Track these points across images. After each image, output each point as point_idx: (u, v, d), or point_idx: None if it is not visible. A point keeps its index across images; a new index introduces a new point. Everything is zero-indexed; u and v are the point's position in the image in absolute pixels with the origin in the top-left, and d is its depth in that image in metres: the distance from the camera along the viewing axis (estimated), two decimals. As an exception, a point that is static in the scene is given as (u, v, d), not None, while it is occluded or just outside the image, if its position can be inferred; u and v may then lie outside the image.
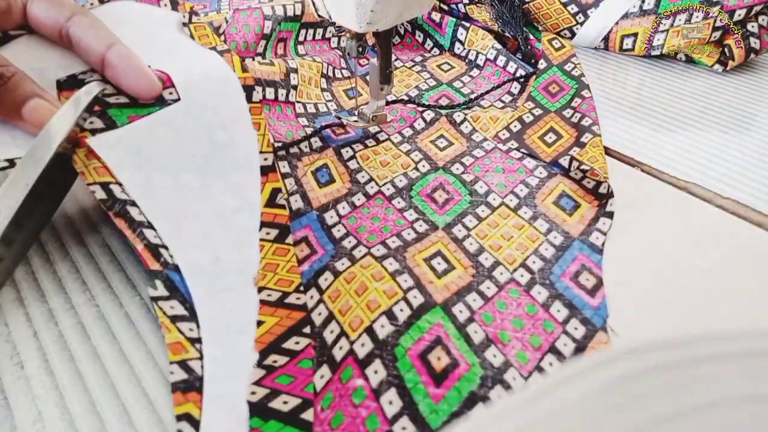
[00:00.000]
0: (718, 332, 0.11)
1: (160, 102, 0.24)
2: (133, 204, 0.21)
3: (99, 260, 0.24)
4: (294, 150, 0.30)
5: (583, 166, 0.28)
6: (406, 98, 0.36)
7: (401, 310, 0.22)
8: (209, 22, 0.32)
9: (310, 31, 0.41)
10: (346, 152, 0.31)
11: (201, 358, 0.19)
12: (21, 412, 0.19)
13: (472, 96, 0.37)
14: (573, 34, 0.44)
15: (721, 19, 0.37)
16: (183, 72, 0.25)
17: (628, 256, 0.25)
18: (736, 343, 0.11)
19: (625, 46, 0.42)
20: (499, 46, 0.41)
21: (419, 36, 0.44)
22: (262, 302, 0.21)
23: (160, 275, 0.21)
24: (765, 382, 0.10)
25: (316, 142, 0.31)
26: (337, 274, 0.24)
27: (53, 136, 0.21)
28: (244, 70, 0.27)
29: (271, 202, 0.24)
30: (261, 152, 0.25)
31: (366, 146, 0.32)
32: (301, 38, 0.40)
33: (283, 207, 0.25)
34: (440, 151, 0.32)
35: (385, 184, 0.29)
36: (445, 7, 0.47)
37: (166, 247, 0.21)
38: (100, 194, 0.21)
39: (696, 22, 0.38)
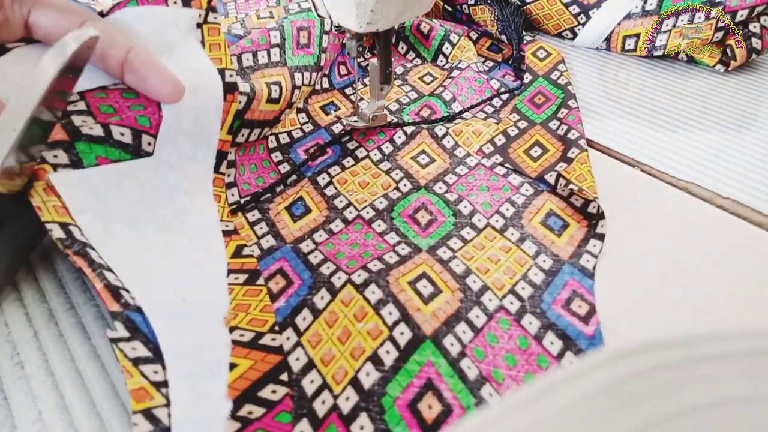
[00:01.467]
0: (718, 332, 0.11)
1: (134, 151, 0.23)
2: (92, 248, 0.20)
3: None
4: (266, 195, 0.28)
5: (571, 186, 0.27)
6: (389, 120, 0.34)
7: (387, 352, 0.20)
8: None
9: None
10: (323, 179, 0.30)
11: (168, 404, 0.17)
12: (21, 412, 0.19)
13: (454, 104, 0.35)
14: (574, 35, 0.44)
15: (721, 20, 0.37)
16: (174, 117, 0.24)
17: (628, 256, 0.25)
18: (736, 343, 0.11)
19: (627, 47, 0.42)
20: (486, 67, 0.40)
21: (402, 47, 0.43)
22: (235, 342, 0.20)
23: (119, 316, 0.19)
24: (765, 382, 0.10)
25: (288, 172, 0.30)
26: (316, 312, 0.22)
27: (31, 92, 0.19)
28: (229, 130, 0.26)
29: (237, 255, 0.24)
30: (222, 220, 0.25)
31: (344, 167, 0.31)
32: (326, 27, 0.36)
33: (250, 256, 0.24)
34: (422, 169, 0.31)
35: (364, 207, 0.28)
36: (449, 8, 0.46)
37: (127, 290, 0.20)
38: (58, 233, 0.19)
39: (698, 22, 0.38)
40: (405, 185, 0.29)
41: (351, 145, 0.32)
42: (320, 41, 0.35)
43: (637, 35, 0.41)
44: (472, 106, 0.36)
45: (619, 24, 0.41)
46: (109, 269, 0.20)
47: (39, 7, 0.22)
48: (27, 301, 0.22)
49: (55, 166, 0.21)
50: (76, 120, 0.22)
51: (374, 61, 0.30)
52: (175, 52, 0.25)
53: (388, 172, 0.30)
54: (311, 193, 0.29)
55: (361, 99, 0.34)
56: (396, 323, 0.21)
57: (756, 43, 0.39)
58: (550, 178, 0.29)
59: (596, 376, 0.10)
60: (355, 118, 0.33)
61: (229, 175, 0.27)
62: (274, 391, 0.19)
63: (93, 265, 0.20)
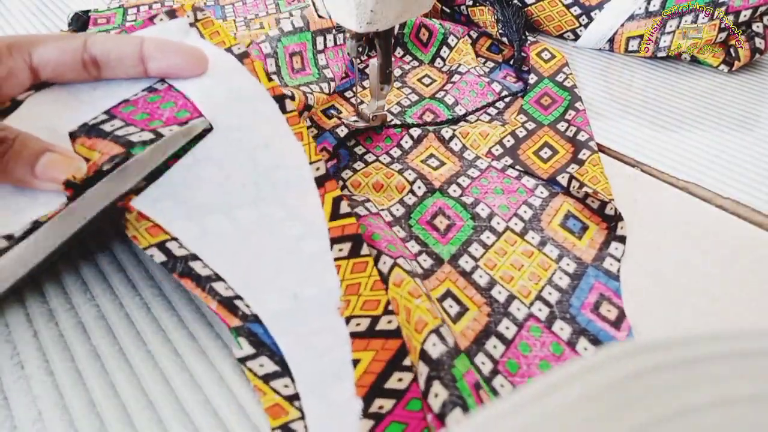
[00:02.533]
0: (718, 332, 0.11)
1: (194, 138, 0.22)
2: (195, 258, 0.20)
3: (99, 260, 0.24)
4: None
5: (585, 188, 0.28)
6: (393, 122, 0.34)
7: (434, 344, 0.19)
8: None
9: (329, 37, 0.37)
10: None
11: (303, 417, 0.18)
12: (21, 412, 0.19)
13: (457, 108, 0.35)
14: (577, 37, 0.44)
15: (722, 20, 0.37)
16: (205, 94, 0.23)
17: (628, 256, 0.25)
18: (736, 343, 0.11)
19: (630, 48, 0.42)
20: (486, 69, 0.40)
21: (399, 52, 0.43)
22: (353, 335, 0.20)
23: (242, 331, 0.19)
24: (765, 382, 0.10)
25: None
26: (385, 279, 0.21)
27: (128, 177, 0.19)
28: (269, 78, 0.24)
29: (335, 215, 0.22)
30: (311, 163, 0.23)
31: (355, 171, 0.30)
32: (319, 46, 0.37)
33: (349, 215, 0.23)
34: (434, 171, 0.30)
35: (382, 210, 0.27)
36: (448, 10, 0.46)
37: (240, 297, 0.20)
38: (159, 257, 0.20)
39: (702, 23, 0.38)
40: (419, 187, 0.29)
41: (359, 150, 0.32)
42: (315, 61, 0.35)
43: (641, 36, 0.41)
44: (476, 110, 0.36)
45: (622, 25, 0.41)
46: (217, 277, 0.20)
47: (37, 45, 0.21)
48: (27, 301, 0.22)
49: (136, 191, 0.21)
50: (121, 132, 0.21)
51: (374, 61, 0.30)
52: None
53: (401, 172, 0.30)
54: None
55: (362, 102, 0.34)
56: (442, 323, 0.21)
57: (759, 43, 0.39)
58: (563, 179, 0.29)
59: (596, 376, 0.10)
60: (355, 118, 0.33)
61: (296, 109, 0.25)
62: (400, 380, 0.19)
63: (200, 281, 0.19)
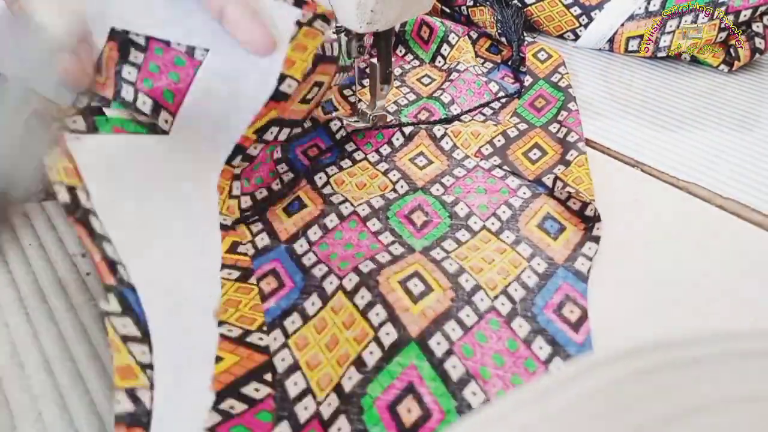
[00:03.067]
0: (718, 332, 0.11)
1: (150, 127, 0.23)
2: (95, 215, 0.20)
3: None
4: (263, 195, 0.28)
5: (568, 188, 0.27)
6: (389, 122, 0.34)
7: (371, 353, 0.20)
8: None
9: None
10: (320, 179, 0.30)
11: (151, 387, 0.17)
12: (21, 412, 0.19)
13: (452, 107, 0.35)
14: (576, 36, 0.44)
15: (722, 20, 0.37)
16: (200, 99, 0.23)
17: (628, 256, 0.25)
18: (736, 343, 0.11)
19: (630, 48, 0.42)
20: (484, 69, 0.40)
21: (400, 50, 0.43)
22: (222, 336, 0.20)
23: (114, 291, 0.19)
24: (765, 382, 0.10)
25: (287, 175, 0.29)
26: (306, 317, 0.22)
27: None
28: (255, 131, 0.25)
29: (232, 251, 0.24)
30: (221, 213, 0.24)
31: (341, 168, 0.30)
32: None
33: (245, 254, 0.24)
34: (420, 170, 0.30)
35: (360, 204, 0.28)
36: (448, 10, 0.46)
37: (123, 265, 0.19)
38: (64, 197, 0.19)
39: (702, 23, 0.38)
40: (402, 186, 0.29)
41: (349, 147, 0.32)
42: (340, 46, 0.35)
43: (641, 36, 0.41)
44: (471, 109, 0.35)
45: (622, 25, 0.41)
46: (109, 240, 0.20)
47: None
48: (27, 301, 0.22)
49: (72, 131, 0.21)
50: (126, 73, 0.23)
51: (374, 61, 0.30)
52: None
53: (385, 173, 0.30)
54: (308, 192, 0.29)
55: (360, 100, 0.34)
56: (382, 324, 0.21)
57: (759, 42, 0.39)
58: (548, 180, 0.29)
59: (596, 376, 0.10)
60: (355, 119, 0.33)
61: (237, 167, 0.26)
62: (257, 389, 0.19)
63: (93, 234, 0.19)
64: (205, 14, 0.22)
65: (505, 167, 0.30)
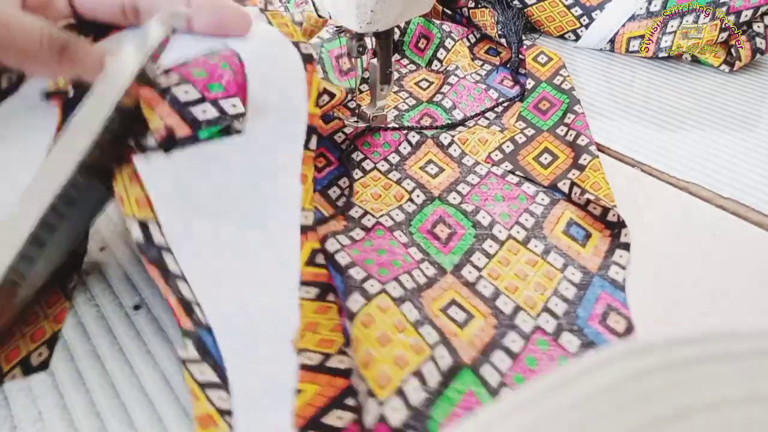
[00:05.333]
0: (718, 332, 0.11)
1: (224, 129, 0.21)
2: (169, 251, 0.19)
3: (99, 260, 0.24)
4: None
5: (587, 195, 0.27)
6: (390, 125, 0.34)
7: (430, 372, 0.20)
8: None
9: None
10: (334, 192, 0.29)
11: None
12: (21, 412, 0.19)
13: (455, 111, 0.35)
14: (577, 37, 0.44)
15: (723, 20, 0.37)
16: (257, 85, 0.22)
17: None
18: (736, 343, 0.11)
19: (631, 48, 0.42)
20: (481, 73, 0.40)
21: (395, 57, 0.42)
22: (302, 367, 0.19)
23: (191, 335, 0.19)
24: (765, 382, 0.10)
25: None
26: (351, 316, 0.21)
27: (113, 87, 0.18)
28: (317, 104, 0.24)
29: (310, 262, 0.22)
30: (303, 209, 0.23)
31: (353, 180, 0.30)
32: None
33: (323, 266, 0.23)
34: (433, 179, 0.30)
35: (382, 216, 0.27)
36: (449, 12, 0.46)
37: (199, 305, 0.19)
38: (137, 234, 0.19)
39: (703, 23, 0.38)
40: (418, 196, 0.29)
41: (357, 156, 0.32)
42: (362, 62, 0.35)
43: (642, 36, 0.41)
44: (474, 115, 0.35)
45: (623, 26, 0.41)
46: (183, 278, 0.19)
47: None
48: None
49: (143, 148, 0.20)
50: (179, 93, 0.20)
51: (374, 61, 0.30)
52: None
53: (398, 182, 0.30)
54: (324, 205, 0.28)
55: (359, 106, 0.34)
56: (436, 344, 0.21)
57: (760, 42, 0.39)
58: (564, 186, 0.29)
59: (597, 376, 0.10)
60: (355, 119, 0.33)
61: (315, 150, 0.25)
62: (339, 417, 0.19)
63: (167, 275, 0.19)
64: (200, 41, 0.22)
65: (517, 173, 0.30)
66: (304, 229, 0.22)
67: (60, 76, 0.21)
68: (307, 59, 0.23)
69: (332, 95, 0.28)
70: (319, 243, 0.23)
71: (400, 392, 0.19)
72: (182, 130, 0.20)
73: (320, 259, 0.23)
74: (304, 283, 0.22)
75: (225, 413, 0.18)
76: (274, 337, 0.20)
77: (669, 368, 0.10)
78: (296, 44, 0.24)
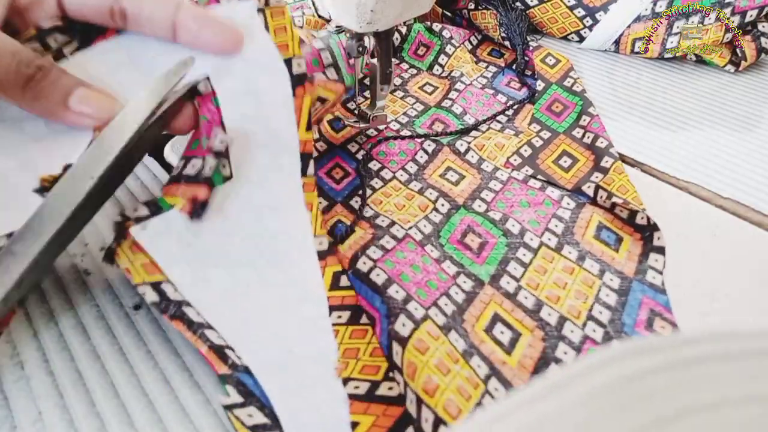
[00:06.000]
0: (718, 332, 0.11)
1: (221, 158, 0.21)
2: (189, 305, 0.19)
3: (99, 260, 0.24)
4: None
5: (614, 199, 0.27)
6: (403, 133, 0.34)
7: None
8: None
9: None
10: (356, 202, 0.28)
11: None
12: (21, 412, 0.19)
13: (466, 117, 0.35)
14: (581, 38, 0.44)
15: (724, 21, 0.37)
16: (239, 129, 0.22)
17: (628, 256, 0.25)
18: (736, 343, 0.11)
19: (636, 49, 0.42)
20: (487, 76, 0.40)
21: (395, 61, 0.42)
22: (351, 397, 0.19)
23: (230, 379, 0.18)
24: (765, 382, 0.10)
25: (320, 203, 0.28)
26: (402, 341, 0.20)
27: (118, 137, 0.18)
28: (308, 127, 0.23)
29: (335, 286, 0.22)
30: (315, 236, 0.22)
31: (374, 189, 0.29)
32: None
33: (349, 288, 0.22)
34: (455, 186, 0.30)
35: (410, 228, 0.26)
36: (449, 14, 0.46)
37: (231, 348, 0.19)
38: (152, 296, 0.19)
39: (708, 23, 0.38)
40: (443, 205, 0.28)
41: (374, 166, 0.31)
42: (363, 61, 0.34)
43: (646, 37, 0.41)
44: (486, 119, 0.35)
45: (628, 27, 0.41)
46: (210, 326, 0.19)
47: None
48: (27, 301, 0.22)
49: (137, 220, 0.20)
50: (188, 169, 0.21)
51: (374, 61, 0.30)
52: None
53: (421, 192, 0.29)
54: (348, 216, 0.27)
55: (361, 104, 0.34)
56: (488, 377, 0.20)
57: (765, 42, 0.39)
58: (589, 189, 0.28)
59: (596, 376, 0.10)
60: (354, 119, 0.33)
61: (314, 176, 0.24)
62: None
63: (193, 326, 0.19)
64: (170, 51, 0.21)
65: (539, 177, 0.30)
66: (322, 255, 0.22)
67: (22, 107, 0.20)
68: (299, 80, 0.23)
69: (323, 100, 0.27)
70: (341, 265, 0.23)
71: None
72: (203, 193, 0.20)
73: (344, 281, 0.22)
74: (333, 308, 0.21)
75: None
76: (316, 366, 0.19)
77: (669, 368, 0.10)
78: (288, 62, 0.22)
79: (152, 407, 0.19)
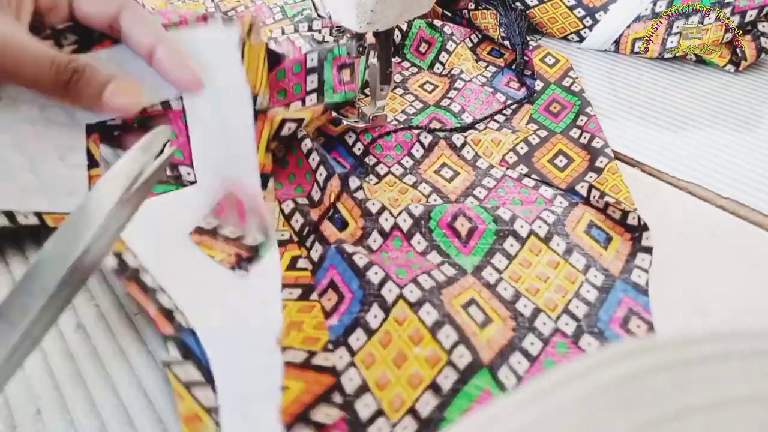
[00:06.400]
0: (718, 332, 0.11)
1: (177, 181, 0.24)
2: (145, 270, 0.21)
3: (99, 260, 0.24)
4: (302, 201, 0.27)
5: (607, 198, 0.27)
6: (399, 126, 0.33)
7: (446, 377, 0.20)
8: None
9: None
10: (353, 182, 0.28)
11: (218, 430, 0.17)
12: (21, 412, 0.19)
13: (464, 115, 0.35)
14: (581, 38, 0.44)
15: (724, 21, 0.37)
16: (203, 143, 0.25)
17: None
18: (736, 343, 0.11)
19: (636, 49, 0.42)
20: (487, 75, 0.40)
21: (396, 59, 0.42)
22: (287, 364, 0.19)
23: (173, 339, 0.19)
24: (765, 382, 0.10)
25: (321, 175, 0.28)
26: (369, 332, 0.21)
27: (90, 220, 0.17)
28: (268, 147, 0.26)
29: (292, 267, 0.23)
30: (277, 230, 0.24)
31: (369, 184, 0.30)
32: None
33: (304, 269, 0.23)
34: (448, 183, 0.30)
35: (400, 213, 0.26)
36: (449, 14, 0.46)
37: (181, 312, 0.20)
38: (111, 263, 0.20)
39: (708, 23, 0.38)
40: (435, 200, 0.29)
41: (370, 161, 0.31)
42: (363, 75, 0.35)
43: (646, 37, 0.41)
44: (484, 118, 0.35)
45: (629, 27, 0.41)
46: (163, 290, 0.20)
47: None
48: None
49: None
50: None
51: (374, 61, 0.30)
52: (209, 73, 0.25)
53: (415, 186, 0.30)
54: (346, 201, 0.27)
55: (360, 100, 0.34)
56: (455, 345, 0.20)
57: (765, 42, 0.39)
58: (582, 189, 0.28)
59: (596, 376, 0.10)
60: (355, 119, 0.33)
61: (272, 191, 0.27)
62: (328, 414, 0.19)
63: (146, 289, 0.20)
64: (154, 72, 0.25)
65: (533, 176, 0.30)
66: (282, 243, 0.24)
67: (65, 104, 0.24)
68: (260, 113, 0.26)
69: (300, 121, 0.28)
70: (307, 250, 0.25)
71: (412, 410, 0.19)
72: (246, 252, 0.24)
73: (302, 263, 0.24)
74: (286, 285, 0.23)
75: (211, 411, 0.18)
76: (259, 336, 0.20)
77: (669, 368, 0.10)
78: (255, 98, 0.26)
79: (152, 407, 0.19)
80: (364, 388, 0.20)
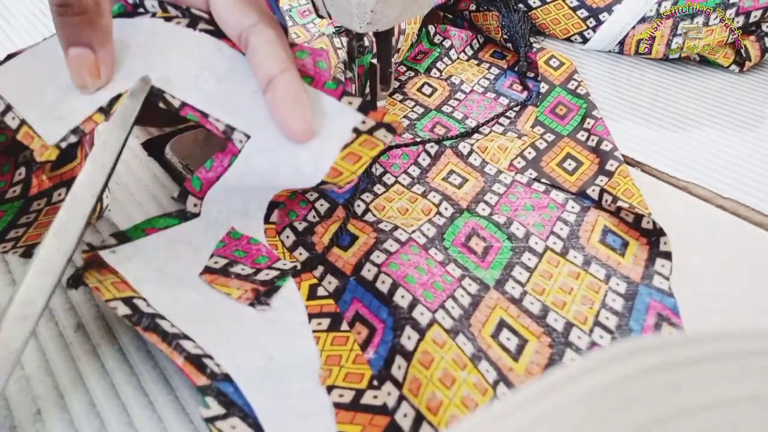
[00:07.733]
0: (718, 332, 0.11)
1: (179, 215, 0.22)
2: (162, 317, 0.19)
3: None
4: (302, 227, 0.26)
5: (620, 203, 0.27)
6: (405, 136, 0.33)
7: None
8: None
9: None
10: (358, 207, 0.28)
11: None
12: (21, 412, 0.19)
13: (467, 121, 0.35)
14: (584, 39, 0.44)
15: (725, 22, 0.37)
16: (229, 187, 0.22)
17: (628, 256, 0.25)
18: (736, 343, 0.11)
19: (640, 50, 0.42)
20: (489, 78, 0.40)
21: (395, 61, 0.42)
22: (336, 405, 0.18)
23: (210, 390, 0.17)
24: (765, 382, 0.10)
25: (322, 206, 0.27)
26: (407, 355, 0.20)
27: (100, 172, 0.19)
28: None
29: (312, 296, 0.22)
30: (284, 262, 0.23)
31: (376, 195, 0.29)
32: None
33: (327, 297, 0.22)
34: (458, 189, 0.30)
35: (414, 231, 0.26)
36: (450, 16, 0.46)
37: (209, 356, 0.18)
38: (123, 310, 0.18)
39: (713, 24, 0.38)
40: (446, 208, 0.28)
41: (376, 170, 0.31)
42: (365, 78, 0.33)
43: (653, 38, 0.41)
44: (487, 121, 0.35)
45: (633, 28, 0.41)
46: (185, 336, 0.19)
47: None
48: (27, 301, 0.22)
49: (104, 248, 0.20)
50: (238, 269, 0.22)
51: (374, 61, 0.30)
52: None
53: (424, 195, 0.29)
54: (353, 222, 0.27)
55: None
56: (496, 382, 0.20)
57: None
58: (593, 192, 0.28)
59: (597, 375, 0.10)
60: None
61: (277, 223, 0.25)
62: None
63: (167, 337, 0.18)
64: (256, 96, 0.21)
65: (543, 180, 0.30)
66: (295, 273, 0.23)
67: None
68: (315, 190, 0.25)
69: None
70: (315, 278, 0.23)
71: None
72: (264, 287, 0.22)
73: (321, 291, 0.23)
74: (312, 315, 0.21)
75: None
76: (299, 373, 0.19)
77: (669, 368, 0.10)
78: (323, 182, 0.22)
79: (152, 407, 0.19)
80: (419, 420, 0.19)
